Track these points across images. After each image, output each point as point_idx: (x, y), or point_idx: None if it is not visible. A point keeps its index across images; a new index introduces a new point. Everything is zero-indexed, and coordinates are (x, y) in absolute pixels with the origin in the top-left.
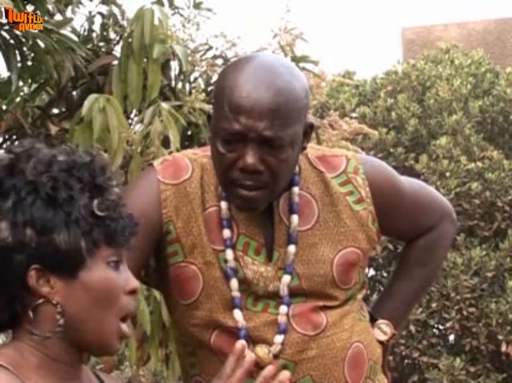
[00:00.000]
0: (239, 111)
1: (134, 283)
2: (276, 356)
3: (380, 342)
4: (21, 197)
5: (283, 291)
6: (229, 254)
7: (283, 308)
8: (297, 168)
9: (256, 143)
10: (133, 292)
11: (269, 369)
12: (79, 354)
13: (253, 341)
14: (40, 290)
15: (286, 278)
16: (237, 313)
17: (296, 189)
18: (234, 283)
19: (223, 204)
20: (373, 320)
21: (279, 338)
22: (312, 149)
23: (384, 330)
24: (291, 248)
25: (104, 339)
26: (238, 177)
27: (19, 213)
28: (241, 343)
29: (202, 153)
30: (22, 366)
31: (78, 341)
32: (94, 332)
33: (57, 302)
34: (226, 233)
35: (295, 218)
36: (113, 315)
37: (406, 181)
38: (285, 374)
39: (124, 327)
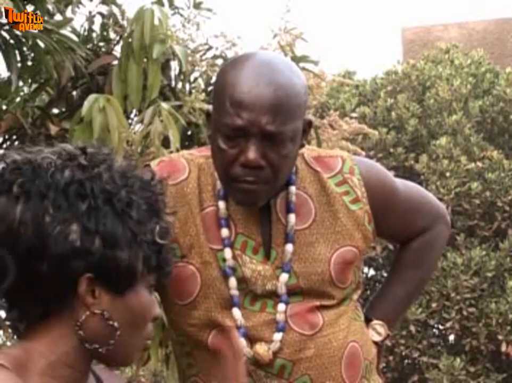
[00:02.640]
0: (241, 107)
1: (158, 310)
2: (275, 355)
3: (375, 342)
4: (97, 203)
5: (281, 289)
6: (228, 252)
7: (281, 306)
8: (294, 168)
9: (257, 139)
10: (155, 319)
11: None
12: (91, 361)
13: (250, 340)
14: (86, 298)
15: (284, 276)
16: (236, 312)
17: (293, 188)
18: (233, 281)
19: (221, 203)
20: (367, 321)
21: (277, 336)
22: (308, 149)
23: (379, 330)
24: (289, 247)
25: (130, 355)
26: (239, 173)
27: (92, 219)
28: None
29: (198, 154)
30: (27, 368)
31: (103, 353)
32: (123, 348)
33: (101, 311)
34: (225, 232)
35: (292, 217)
36: (142, 335)
37: (401, 183)
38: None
39: (148, 341)
